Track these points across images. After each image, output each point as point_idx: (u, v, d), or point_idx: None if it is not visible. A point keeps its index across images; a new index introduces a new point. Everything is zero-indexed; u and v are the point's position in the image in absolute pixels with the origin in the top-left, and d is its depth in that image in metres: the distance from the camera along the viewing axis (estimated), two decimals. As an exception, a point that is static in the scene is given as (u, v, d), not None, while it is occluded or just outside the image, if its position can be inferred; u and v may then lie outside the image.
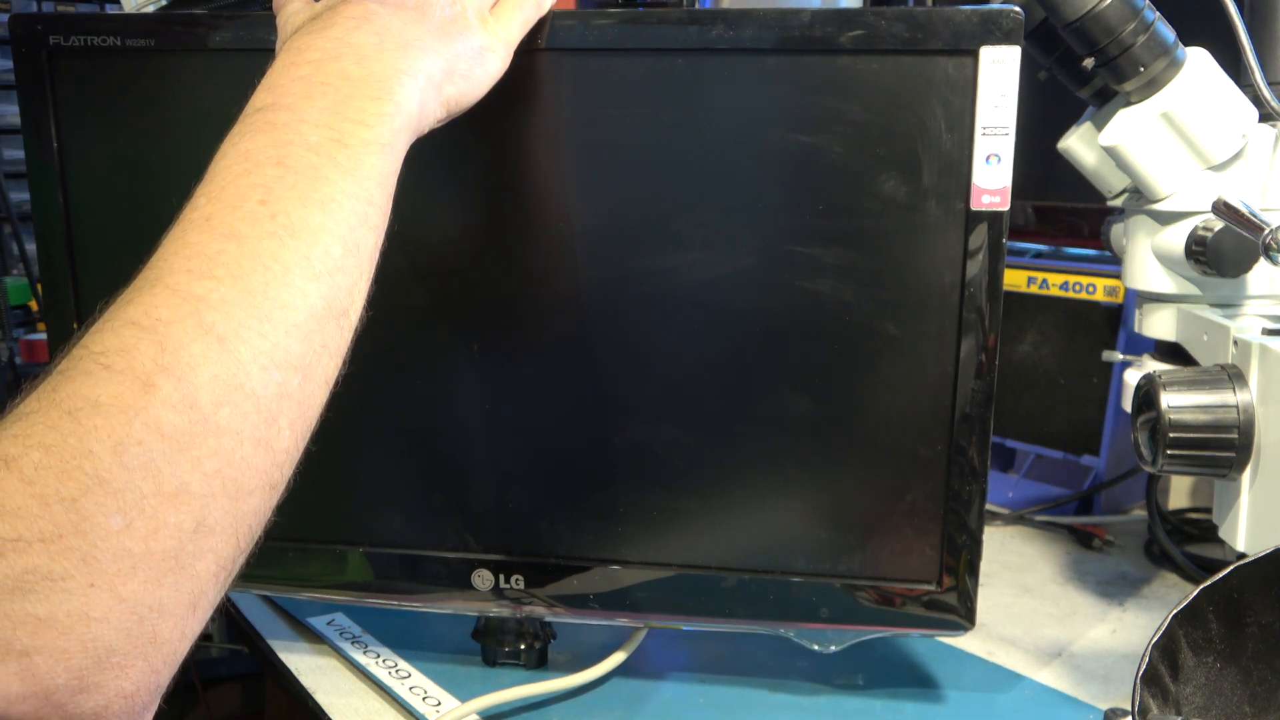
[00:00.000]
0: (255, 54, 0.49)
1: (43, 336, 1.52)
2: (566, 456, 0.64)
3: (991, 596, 0.83)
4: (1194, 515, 0.96)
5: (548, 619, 0.70)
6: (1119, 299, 0.95)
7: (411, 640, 0.73)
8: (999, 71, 0.55)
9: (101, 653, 0.33)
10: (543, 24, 0.57)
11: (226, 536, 0.37)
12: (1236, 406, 0.57)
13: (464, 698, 0.65)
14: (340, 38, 0.46)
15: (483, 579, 0.66)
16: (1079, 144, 0.74)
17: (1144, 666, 0.44)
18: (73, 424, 0.34)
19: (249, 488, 0.37)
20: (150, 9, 0.65)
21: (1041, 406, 1.01)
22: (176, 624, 0.35)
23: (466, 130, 0.53)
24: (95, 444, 0.34)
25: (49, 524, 0.32)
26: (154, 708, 0.36)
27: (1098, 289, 0.97)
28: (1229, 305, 0.69)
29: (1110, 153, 0.67)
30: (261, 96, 0.45)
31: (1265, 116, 0.66)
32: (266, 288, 0.39)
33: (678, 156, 0.59)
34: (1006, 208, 0.57)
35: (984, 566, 0.69)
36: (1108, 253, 0.81)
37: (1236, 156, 0.65)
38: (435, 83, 0.48)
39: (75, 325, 0.65)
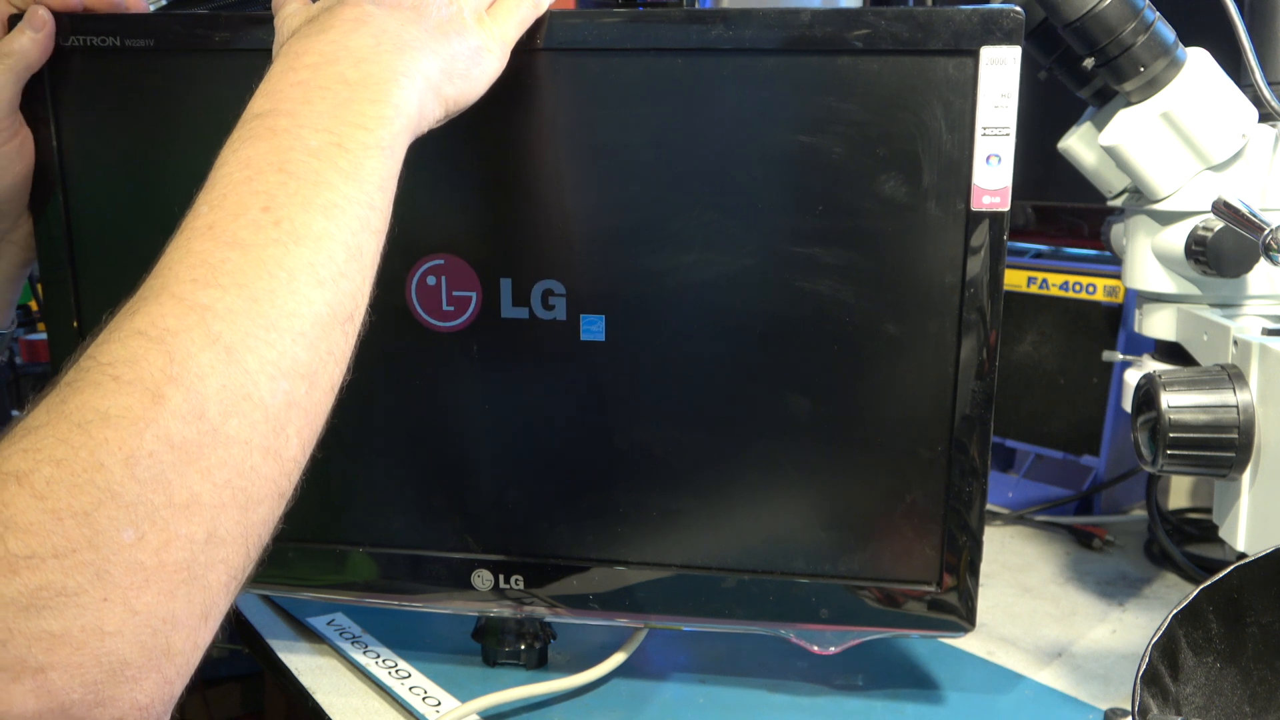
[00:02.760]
0: (255, 54, 0.49)
1: (43, 336, 1.52)
2: (566, 457, 0.64)
3: (991, 596, 0.83)
4: (1194, 515, 0.97)
5: (548, 619, 0.70)
6: (1119, 299, 0.95)
7: (411, 640, 0.73)
8: (999, 71, 0.55)
9: (116, 666, 0.33)
10: (540, 23, 0.57)
11: (237, 546, 0.37)
12: (1236, 406, 0.57)
13: (464, 698, 0.65)
14: (337, 41, 0.46)
15: (483, 579, 0.66)
16: (1079, 144, 0.74)
17: (1144, 666, 0.44)
18: (83, 437, 0.34)
19: (258, 497, 0.37)
20: (150, 9, 0.65)
21: (1041, 406, 1.01)
22: (189, 635, 0.35)
23: (465, 131, 0.52)
24: (106, 457, 0.33)
25: (62, 539, 0.32)
26: (167, 718, 0.36)
27: (1098, 289, 0.97)
28: (1229, 305, 0.69)
29: (1110, 153, 0.67)
30: (260, 102, 0.44)
31: (1265, 116, 0.66)
32: (272, 296, 0.39)
33: (678, 156, 0.59)
34: (1007, 208, 0.57)
35: (984, 566, 0.69)
36: (1108, 253, 0.81)
37: (1236, 156, 0.65)
38: (433, 84, 0.48)
39: (75, 325, 0.65)
